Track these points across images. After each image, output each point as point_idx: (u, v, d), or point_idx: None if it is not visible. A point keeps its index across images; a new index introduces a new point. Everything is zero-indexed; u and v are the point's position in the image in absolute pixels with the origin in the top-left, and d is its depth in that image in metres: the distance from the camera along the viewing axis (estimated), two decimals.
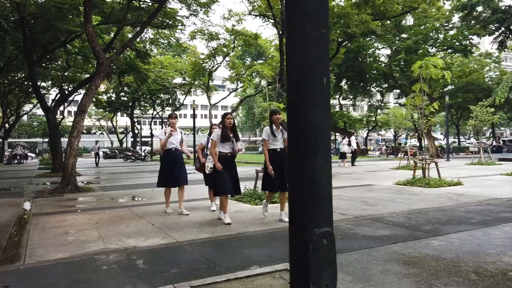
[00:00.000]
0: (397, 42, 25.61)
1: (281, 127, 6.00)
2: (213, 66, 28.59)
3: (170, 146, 6.90)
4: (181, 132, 7.17)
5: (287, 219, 5.88)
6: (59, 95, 22.53)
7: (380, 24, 24.31)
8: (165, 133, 6.94)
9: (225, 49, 26.61)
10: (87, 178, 16.07)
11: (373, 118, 39.84)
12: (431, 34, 26.18)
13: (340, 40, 20.79)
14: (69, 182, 10.67)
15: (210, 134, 7.21)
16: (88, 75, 20.00)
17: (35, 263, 4.23)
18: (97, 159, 25.27)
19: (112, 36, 17.18)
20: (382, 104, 39.45)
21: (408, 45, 24.56)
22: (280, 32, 16.35)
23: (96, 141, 26.96)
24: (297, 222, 1.39)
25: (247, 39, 24.46)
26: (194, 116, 25.43)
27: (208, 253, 4.38)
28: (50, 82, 25.65)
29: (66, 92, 21.31)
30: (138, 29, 13.98)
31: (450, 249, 4.29)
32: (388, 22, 25.41)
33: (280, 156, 5.94)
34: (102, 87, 31.72)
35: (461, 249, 4.29)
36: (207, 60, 28.05)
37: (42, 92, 21.02)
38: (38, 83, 20.39)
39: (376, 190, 9.95)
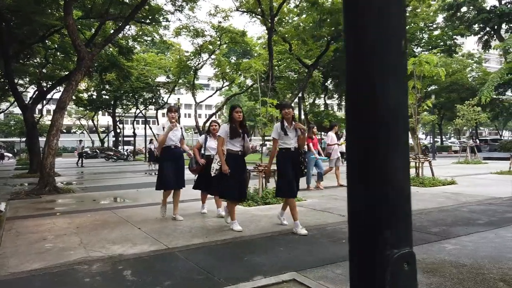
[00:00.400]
0: None
1: (294, 124, 5.27)
2: (198, 64, 27.96)
3: (169, 143, 6.06)
4: (181, 128, 6.32)
5: (293, 227, 5.27)
6: (37, 92, 21.62)
7: None
8: (163, 128, 6.07)
9: (211, 47, 26.00)
10: (67, 178, 15.37)
11: None
12: (416, 34, 26.21)
13: (329, 37, 20.47)
14: (47, 183, 10.03)
15: (208, 132, 6.69)
16: (67, 72, 19.18)
17: (8, 275, 3.73)
18: (80, 159, 24.34)
19: (93, 31, 16.49)
20: None
21: None
22: (269, 29, 15.95)
23: (80, 141, 26.08)
24: (366, 240, 0.99)
25: (233, 36, 23.94)
26: (179, 115, 24.84)
27: (204, 261, 3.95)
28: (27, 79, 24.58)
29: (45, 90, 20.43)
30: (121, 24, 13.39)
31: (467, 254, 3.98)
32: None
33: (294, 156, 5.24)
34: (83, 85, 30.72)
35: (478, 254, 3.98)
36: (192, 57, 27.41)
37: (19, 89, 20.08)
38: (15, 80, 19.53)
39: None
